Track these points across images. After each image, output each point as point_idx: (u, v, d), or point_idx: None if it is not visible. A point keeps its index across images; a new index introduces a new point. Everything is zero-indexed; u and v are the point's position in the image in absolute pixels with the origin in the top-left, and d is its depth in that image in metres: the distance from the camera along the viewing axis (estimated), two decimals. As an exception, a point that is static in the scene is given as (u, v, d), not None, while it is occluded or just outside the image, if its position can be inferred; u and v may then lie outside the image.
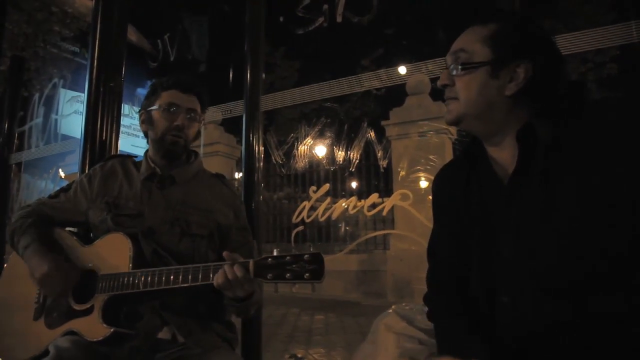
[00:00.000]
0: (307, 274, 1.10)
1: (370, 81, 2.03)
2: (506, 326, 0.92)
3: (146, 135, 1.55)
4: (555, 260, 0.86)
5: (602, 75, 9.94)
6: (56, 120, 3.13)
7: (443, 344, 0.97)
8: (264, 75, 2.19)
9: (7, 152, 3.17)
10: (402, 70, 1.99)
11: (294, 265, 1.11)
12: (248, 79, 2.11)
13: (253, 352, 1.82)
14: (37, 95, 3.12)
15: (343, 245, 8.21)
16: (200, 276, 1.20)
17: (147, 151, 1.55)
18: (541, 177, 0.88)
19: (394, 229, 6.03)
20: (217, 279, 1.16)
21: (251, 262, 1.15)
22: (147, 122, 1.52)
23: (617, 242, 0.81)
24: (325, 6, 2.03)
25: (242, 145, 2.12)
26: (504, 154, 0.97)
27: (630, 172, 0.81)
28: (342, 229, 8.16)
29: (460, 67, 0.95)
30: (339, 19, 2.00)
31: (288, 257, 1.12)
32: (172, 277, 1.23)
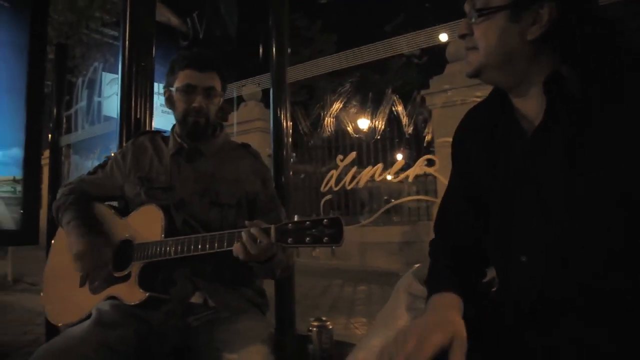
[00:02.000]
0: (326, 238, 1.11)
1: (400, 46, 1.97)
2: (522, 288, 0.89)
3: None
4: (572, 224, 0.81)
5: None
6: (99, 102, 3.29)
7: (432, 283, 0.98)
8: (289, 50, 2.18)
9: (57, 135, 3.37)
10: (443, 37, 1.93)
11: (313, 230, 1.13)
12: (273, 52, 2.12)
13: (286, 318, 1.89)
14: (80, 79, 3.28)
15: (385, 217, 8.23)
16: (225, 242, 1.25)
17: (174, 126, 1.61)
18: (570, 132, 0.82)
19: (436, 198, 5.96)
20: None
21: (272, 227, 1.18)
22: (169, 101, 1.57)
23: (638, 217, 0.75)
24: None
25: (270, 119, 2.14)
26: (529, 105, 0.90)
27: None
28: (383, 200, 8.12)
29: (476, 13, 0.88)
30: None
31: (308, 222, 1.14)
32: (200, 244, 1.29)
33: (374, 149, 7.67)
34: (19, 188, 3.14)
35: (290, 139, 2.14)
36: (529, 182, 0.88)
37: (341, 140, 8.11)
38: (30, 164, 3.21)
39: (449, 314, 0.87)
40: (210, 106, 1.54)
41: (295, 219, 1.19)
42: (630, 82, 0.78)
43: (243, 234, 1.20)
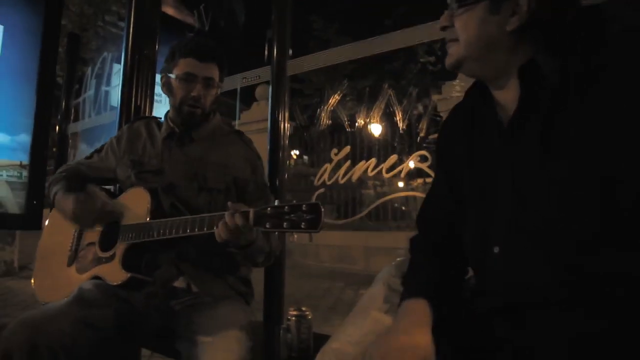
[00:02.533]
0: (303, 224, 1.09)
1: (399, 40, 1.93)
2: (495, 280, 0.88)
3: (168, 97, 1.61)
4: (548, 212, 0.79)
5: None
6: (106, 92, 3.33)
7: (407, 285, 0.96)
8: (291, 51, 2.16)
9: (65, 123, 3.42)
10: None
11: (292, 215, 1.11)
12: (275, 46, 2.10)
13: (274, 309, 1.88)
14: (89, 69, 3.33)
15: (401, 222, 8.16)
16: (206, 225, 1.25)
17: (168, 112, 1.62)
18: (544, 119, 0.81)
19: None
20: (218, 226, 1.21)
21: (251, 211, 1.18)
22: (166, 87, 1.57)
23: (620, 200, 0.73)
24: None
25: (268, 119, 2.10)
26: (508, 96, 0.89)
27: None
28: (391, 207, 8.09)
29: (457, 4, 0.88)
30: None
31: (286, 207, 1.13)
32: (181, 226, 1.30)
33: (391, 150, 7.63)
34: (25, 173, 3.19)
35: (287, 141, 2.10)
36: (504, 172, 0.87)
37: (358, 144, 8.08)
38: (37, 150, 3.26)
39: (416, 335, 0.85)
40: (208, 97, 1.54)
41: (276, 204, 1.19)
42: (609, 66, 0.77)
43: (226, 215, 1.20)
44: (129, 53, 2.13)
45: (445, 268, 0.99)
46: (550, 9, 0.82)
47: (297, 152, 10.98)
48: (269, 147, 2.06)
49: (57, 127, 3.44)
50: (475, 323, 0.91)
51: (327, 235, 7.85)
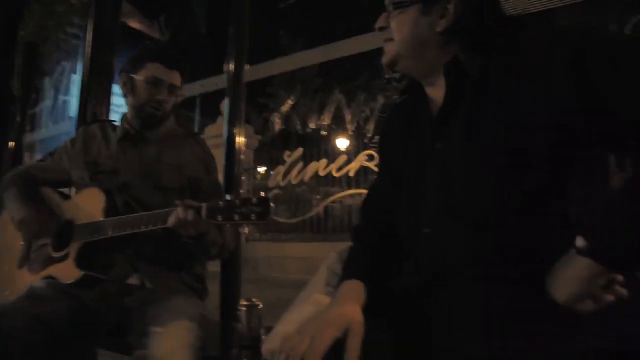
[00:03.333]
0: (253, 216, 1.18)
1: (357, 46, 2.00)
2: (424, 260, 0.96)
3: (125, 97, 1.63)
4: (472, 193, 0.88)
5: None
6: (64, 101, 3.31)
7: (345, 269, 1.03)
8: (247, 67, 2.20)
9: (20, 136, 3.37)
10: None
11: (242, 208, 1.19)
12: (232, 58, 2.14)
13: (230, 303, 1.92)
14: (47, 79, 3.31)
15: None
16: (159, 221, 1.30)
17: (124, 114, 1.66)
18: (467, 111, 0.90)
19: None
20: (170, 219, 1.26)
21: (203, 205, 1.24)
22: (128, 87, 1.59)
23: (535, 174, 0.82)
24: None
25: (224, 127, 2.11)
26: (437, 92, 0.98)
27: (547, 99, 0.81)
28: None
29: (392, 7, 0.98)
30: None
31: (237, 201, 1.20)
32: (135, 223, 1.34)
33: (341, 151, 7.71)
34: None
35: (242, 156, 2.10)
36: (433, 161, 0.97)
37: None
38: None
39: (345, 306, 0.91)
40: (170, 102, 1.60)
41: (227, 197, 1.25)
42: (520, 62, 0.87)
43: (178, 209, 1.25)
44: (88, 62, 2.15)
45: (385, 254, 1.06)
46: (473, 14, 0.93)
47: (265, 168, 11.00)
48: (224, 162, 2.02)
49: (12, 140, 3.38)
50: (409, 302, 0.98)
51: (293, 247, 7.89)
